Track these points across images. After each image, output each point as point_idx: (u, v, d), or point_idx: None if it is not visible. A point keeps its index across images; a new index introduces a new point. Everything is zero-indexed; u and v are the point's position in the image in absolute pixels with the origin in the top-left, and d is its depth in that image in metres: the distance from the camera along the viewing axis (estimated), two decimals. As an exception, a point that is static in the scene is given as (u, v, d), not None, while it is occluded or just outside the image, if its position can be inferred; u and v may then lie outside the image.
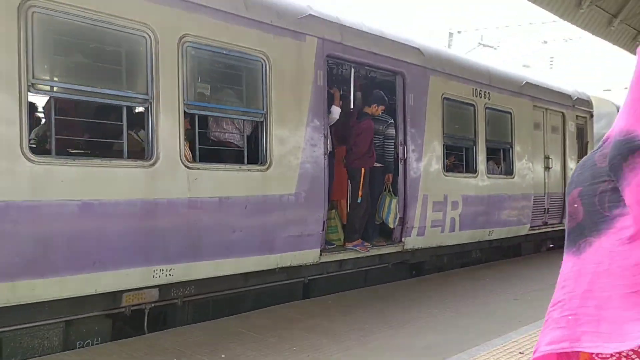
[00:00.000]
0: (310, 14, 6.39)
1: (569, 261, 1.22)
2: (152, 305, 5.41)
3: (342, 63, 7.33)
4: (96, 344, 5.11)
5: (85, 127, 5.08)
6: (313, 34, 6.41)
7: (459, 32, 28.38)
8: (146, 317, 5.41)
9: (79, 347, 4.98)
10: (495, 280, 8.16)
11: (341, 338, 5.12)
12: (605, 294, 1.10)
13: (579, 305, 1.13)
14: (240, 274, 5.96)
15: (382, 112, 7.35)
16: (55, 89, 4.41)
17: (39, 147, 4.32)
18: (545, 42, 30.55)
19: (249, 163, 5.84)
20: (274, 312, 6.01)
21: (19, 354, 4.59)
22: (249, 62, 5.83)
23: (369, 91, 7.89)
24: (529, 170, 10.60)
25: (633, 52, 18.23)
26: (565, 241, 1.26)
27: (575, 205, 1.23)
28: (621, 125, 1.19)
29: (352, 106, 7.84)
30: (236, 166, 5.72)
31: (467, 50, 23.81)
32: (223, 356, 4.58)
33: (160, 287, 5.31)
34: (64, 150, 4.58)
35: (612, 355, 1.12)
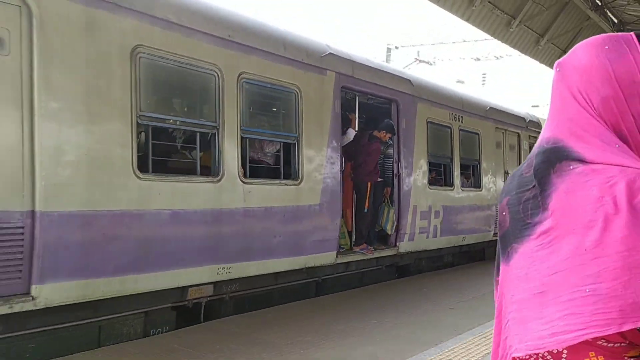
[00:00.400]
0: (330, 53, 7.57)
1: (503, 269, 1.25)
2: (208, 299, 6.38)
3: (351, 92, 8.52)
4: (165, 332, 6.02)
5: (169, 149, 6.04)
6: (332, 69, 7.59)
7: (396, 47, 29.14)
8: (202, 310, 6.38)
9: (152, 335, 5.88)
10: (433, 290, 8.34)
11: (282, 351, 5.08)
12: (521, 297, 1.13)
13: (510, 311, 1.17)
14: (272, 273, 7.00)
15: (389, 139, 8.61)
16: (153, 119, 5.38)
17: (142, 166, 5.26)
18: (478, 59, 31.17)
19: (284, 178, 6.94)
20: (212, 327, 5.91)
21: (111, 338, 5.47)
22: (286, 93, 6.94)
23: (370, 116, 9.13)
24: (493, 183, 12.14)
25: (557, 69, 20.80)
26: (499, 249, 1.29)
27: (504, 214, 1.26)
28: (547, 135, 1.23)
29: (356, 128, 9.04)
30: (277, 181, 6.80)
31: (404, 65, 23.97)
32: None
33: (215, 284, 6.30)
34: (159, 168, 5.53)
35: (530, 356, 1.14)
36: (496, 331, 1.28)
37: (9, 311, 4.37)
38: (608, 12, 16.34)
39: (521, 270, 1.15)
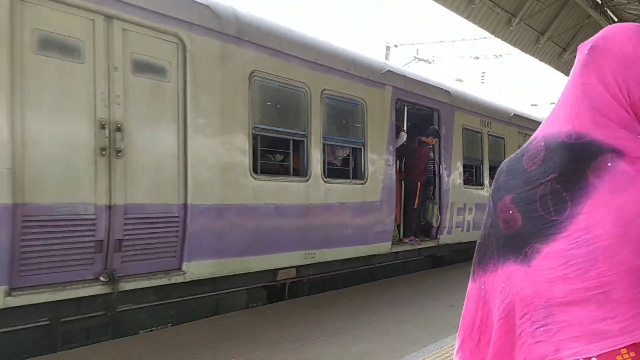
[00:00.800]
0: (388, 70, 8.76)
1: (517, 270, 1.15)
2: (291, 280, 7.57)
3: (402, 103, 9.69)
4: (257, 306, 7.18)
5: (269, 154, 7.24)
6: (389, 84, 8.78)
7: (395, 45, 29.31)
8: (287, 290, 7.56)
9: (250, 307, 7.05)
10: (432, 287, 8.46)
11: (278, 348, 5.10)
12: (566, 299, 1.06)
13: (546, 315, 1.09)
14: (341, 259, 8.18)
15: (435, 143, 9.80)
16: (263, 129, 6.57)
17: (255, 169, 6.45)
18: (477, 58, 31.15)
19: (353, 178, 8.13)
20: (210, 323, 5.96)
21: (225, 309, 6.64)
22: (355, 105, 8.13)
23: (414, 123, 10.31)
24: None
25: (559, 68, 19.93)
26: (501, 248, 1.20)
27: (511, 212, 1.18)
28: (566, 128, 1.14)
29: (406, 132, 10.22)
30: (348, 180, 7.99)
31: (403, 63, 23.87)
32: None
33: (297, 267, 7.47)
34: (265, 170, 6.72)
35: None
36: (498, 334, 1.20)
37: (167, 282, 5.57)
38: (608, 10, 16.32)
39: (553, 271, 1.09)
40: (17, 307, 4.44)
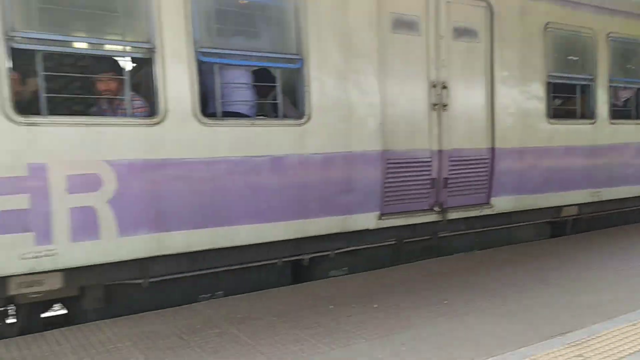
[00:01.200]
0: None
1: None
2: (572, 218, 8.02)
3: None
4: (540, 240, 7.79)
5: (559, 99, 7.76)
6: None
7: None
8: (568, 226, 8.06)
9: (536, 240, 7.73)
10: None
11: (493, 293, 5.01)
12: None
13: None
14: (617, 199, 8.26)
15: None
16: (556, 77, 7.08)
17: (549, 114, 7.04)
18: None
19: (638, 118, 8.18)
20: (422, 267, 6.11)
21: (515, 240, 7.44)
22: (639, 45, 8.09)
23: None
24: None
25: None
26: None
27: None
28: None
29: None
30: (632, 120, 8.10)
31: None
32: (375, 305, 4.72)
33: (579, 205, 7.86)
34: (557, 114, 7.27)
35: None
36: None
37: (479, 214, 6.60)
38: None
39: None
40: (381, 228, 5.86)
